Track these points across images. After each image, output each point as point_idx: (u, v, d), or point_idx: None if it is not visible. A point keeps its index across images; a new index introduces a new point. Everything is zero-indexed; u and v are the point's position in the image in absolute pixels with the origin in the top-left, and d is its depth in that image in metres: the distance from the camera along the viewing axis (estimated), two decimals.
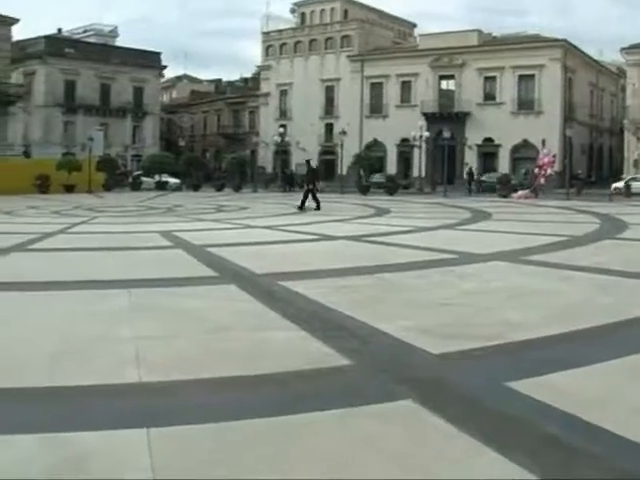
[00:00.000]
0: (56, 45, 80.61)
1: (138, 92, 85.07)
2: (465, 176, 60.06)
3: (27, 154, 71.58)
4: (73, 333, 7.51)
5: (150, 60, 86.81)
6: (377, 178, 60.60)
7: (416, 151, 67.90)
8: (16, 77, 73.80)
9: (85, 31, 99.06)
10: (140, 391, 5.69)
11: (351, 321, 7.90)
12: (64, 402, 5.50)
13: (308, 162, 33.49)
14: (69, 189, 49.69)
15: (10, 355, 6.73)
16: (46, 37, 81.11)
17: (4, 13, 63.77)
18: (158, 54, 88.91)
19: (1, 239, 17.54)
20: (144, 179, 60.45)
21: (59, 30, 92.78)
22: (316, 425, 4.89)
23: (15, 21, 64.66)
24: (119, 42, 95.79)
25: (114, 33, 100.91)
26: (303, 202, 29.62)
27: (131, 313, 8.55)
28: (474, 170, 61.16)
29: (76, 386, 5.78)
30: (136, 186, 58.24)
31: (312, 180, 30.75)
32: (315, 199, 29.76)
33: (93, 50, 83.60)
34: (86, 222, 23.96)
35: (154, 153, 72.08)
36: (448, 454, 4.39)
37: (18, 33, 74.21)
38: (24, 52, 76.87)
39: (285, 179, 59.39)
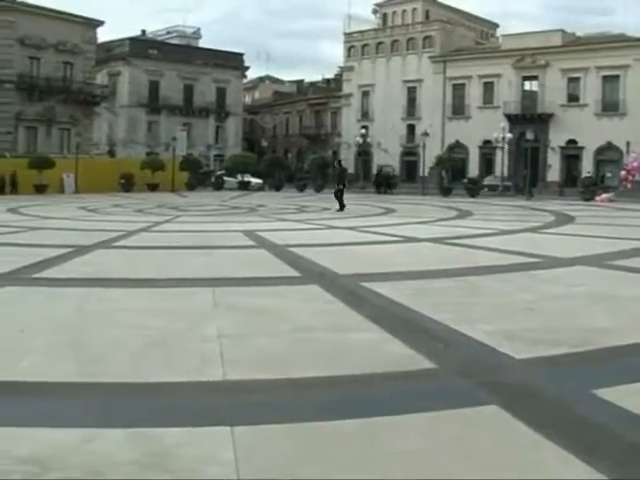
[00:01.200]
0: (140, 47, 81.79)
1: (221, 93, 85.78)
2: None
3: (112, 153, 72.89)
4: (158, 330, 7.62)
5: (233, 61, 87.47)
6: (489, 180, 59.37)
7: (498, 153, 67.23)
8: (101, 78, 75.08)
9: (168, 33, 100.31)
10: (224, 389, 5.74)
11: (434, 324, 7.85)
12: (150, 398, 5.59)
13: (340, 162, 34.30)
14: (153, 188, 50.37)
15: (97, 351, 6.86)
16: (130, 39, 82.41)
17: (89, 16, 65.00)
18: (241, 55, 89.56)
19: (86, 236, 17.91)
20: (226, 179, 60.95)
21: (143, 32, 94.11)
22: (400, 428, 4.85)
23: (100, 23, 65.76)
24: (202, 43, 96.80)
25: (197, 34, 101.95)
26: (341, 203, 29.88)
27: (215, 311, 8.63)
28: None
29: (161, 382, 5.87)
30: (218, 186, 58.75)
31: (342, 180, 31.14)
32: (340, 199, 30.12)
33: (176, 51, 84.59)
34: (169, 221, 24.30)
35: (236, 153, 72.57)
36: (534, 462, 4.31)
37: (103, 35, 75.51)
38: (109, 54, 78.21)
39: (380, 180, 58.62)
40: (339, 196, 30.33)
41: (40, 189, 45.02)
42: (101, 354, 6.71)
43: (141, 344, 6.99)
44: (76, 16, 63.12)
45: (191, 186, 54.69)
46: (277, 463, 4.27)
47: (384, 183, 56.60)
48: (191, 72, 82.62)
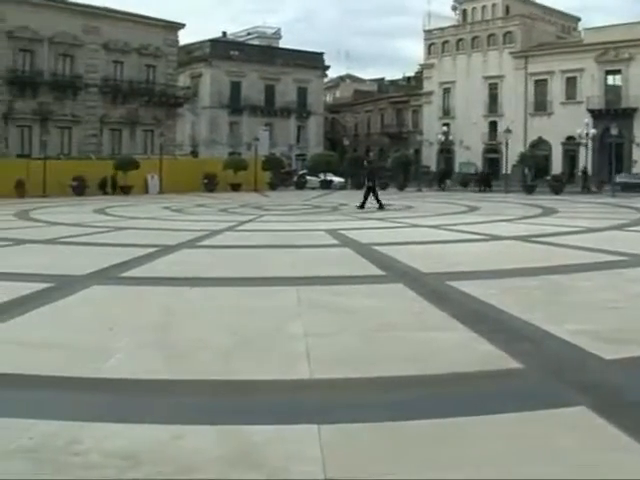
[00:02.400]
0: (221, 48, 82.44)
1: (302, 92, 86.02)
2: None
3: (195, 154, 73.65)
4: (245, 328, 7.70)
5: (313, 61, 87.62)
6: (622, 177, 58.02)
7: (582, 149, 66.13)
8: (183, 80, 75.93)
9: (249, 34, 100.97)
10: (311, 387, 5.78)
11: (520, 323, 7.78)
12: (238, 396, 5.66)
13: (370, 162, 34.16)
14: (235, 188, 50.73)
15: (184, 349, 6.97)
16: (211, 41, 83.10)
17: (171, 19, 65.85)
18: (321, 54, 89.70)
19: (171, 236, 18.16)
20: (309, 178, 61.14)
21: (224, 33, 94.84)
22: (488, 428, 4.83)
23: (181, 26, 66.55)
24: (281, 43, 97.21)
25: (277, 35, 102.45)
26: (379, 201, 29.80)
27: (300, 309, 8.68)
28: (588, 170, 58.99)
29: (249, 380, 5.94)
30: (301, 185, 58.96)
31: (372, 178, 31.00)
32: (365, 198, 30.08)
33: (257, 52, 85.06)
34: (253, 220, 24.46)
35: (318, 152, 72.74)
36: (622, 465, 4.22)
37: (184, 38, 76.42)
38: (190, 56, 79.04)
39: (481, 179, 58.01)
40: (376, 193, 30.30)
41: (125, 190, 45.77)
42: (189, 352, 6.81)
43: (228, 342, 7.08)
44: (158, 20, 64.04)
45: (273, 185, 54.95)
46: (364, 462, 4.28)
47: (485, 182, 56.19)
48: (272, 72, 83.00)
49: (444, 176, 61.20)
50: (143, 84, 62.38)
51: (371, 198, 29.85)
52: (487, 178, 57.54)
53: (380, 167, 32.44)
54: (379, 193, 30.97)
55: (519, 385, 5.77)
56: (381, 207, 29.31)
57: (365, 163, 32.78)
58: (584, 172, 57.25)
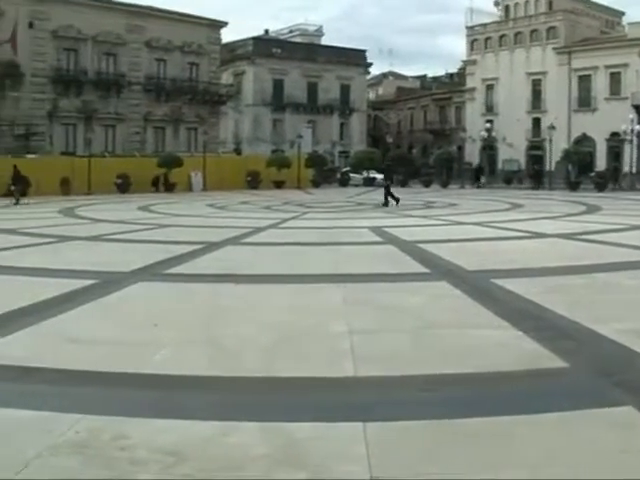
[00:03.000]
0: (264, 46, 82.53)
1: (345, 90, 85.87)
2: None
3: (238, 151, 73.85)
4: (289, 325, 7.74)
5: (355, 58, 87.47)
6: None
7: (627, 146, 65.35)
8: (226, 78, 76.16)
9: (291, 31, 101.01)
10: (355, 385, 5.78)
11: (565, 321, 7.71)
12: (282, 393, 5.68)
13: (388, 163, 35.22)
14: (278, 185, 50.83)
15: (229, 345, 7.00)
16: (254, 39, 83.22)
17: (213, 17, 66.09)
18: (363, 52, 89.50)
19: (215, 233, 18.25)
20: (352, 175, 61.09)
21: (266, 31, 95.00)
22: (532, 428, 4.79)
23: (224, 24, 66.75)
24: (324, 41, 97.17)
25: (319, 32, 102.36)
26: (394, 198, 30.44)
27: (344, 307, 8.67)
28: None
29: (293, 377, 5.95)
30: (344, 182, 58.95)
31: (390, 176, 32.21)
32: (390, 194, 30.60)
33: (299, 49, 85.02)
34: (296, 217, 24.53)
35: (361, 149, 72.61)
36: None
37: (227, 36, 76.55)
38: (233, 53, 79.27)
39: (534, 175, 57.39)
40: (386, 192, 30.87)
41: (169, 187, 46.06)
42: (233, 349, 6.85)
43: (272, 339, 7.10)
44: (200, 18, 64.28)
45: (316, 183, 54.98)
46: (410, 461, 4.27)
47: (538, 178, 55.66)
48: (315, 70, 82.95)
49: (478, 173, 60.68)
50: (186, 82, 62.63)
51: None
52: (538, 175, 56.92)
53: (390, 166, 32.90)
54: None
55: (565, 384, 5.71)
56: (396, 202, 29.96)
57: (385, 163, 33.24)
58: (615, 169, 56.60)
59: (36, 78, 53.92)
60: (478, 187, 55.27)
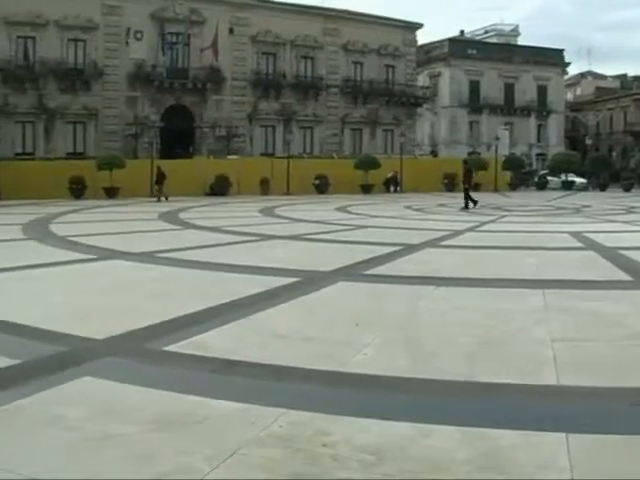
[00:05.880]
0: (459, 47, 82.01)
1: (541, 90, 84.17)
2: None
3: (434, 153, 73.73)
4: (489, 329, 7.66)
5: (553, 57, 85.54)
6: None
7: None
8: (422, 80, 76.19)
9: (486, 32, 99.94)
10: (558, 394, 5.66)
11: None
12: (483, 398, 5.64)
13: (465, 162, 34.20)
14: (476, 187, 50.24)
15: (429, 347, 7.02)
16: (449, 40, 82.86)
17: (407, 19, 66.13)
18: (561, 51, 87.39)
19: (414, 235, 18.31)
20: (550, 178, 59.83)
21: (461, 32, 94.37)
22: None
23: (419, 26, 66.76)
24: (520, 40, 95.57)
25: (515, 32, 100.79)
26: (472, 200, 30.63)
27: (546, 314, 8.49)
28: None
29: (494, 383, 5.89)
30: (542, 185, 57.80)
31: (468, 180, 31.64)
32: (470, 198, 30.64)
33: (495, 50, 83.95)
34: (494, 221, 24.24)
35: (559, 152, 71.00)
36: None
37: (422, 37, 76.47)
38: (429, 55, 79.24)
39: None
40: (466, 194, 30.99)
41: (366, 189, 46.44)
42: (434, 351, 6.85)
43: (473, 343, 7.06)
44: (396, 20, 64.56)
45: (513, 186, 54.17)
46: (615, 477, 4.14)
47: None
48: (511, 71, 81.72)
49: None
50: (383, 84, 63.01)
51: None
52: None
53: (469, 169, 32.23)
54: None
55: None
56: (467, 207, 30.10)
57: (464, 165, 32.73)
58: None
59: (237, 82, 55.96)
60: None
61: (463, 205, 30.54)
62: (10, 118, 48.21)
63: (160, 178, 37.37)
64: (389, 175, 48.47)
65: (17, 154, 47.37)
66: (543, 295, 9.57)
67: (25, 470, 4.23)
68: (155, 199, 36.70)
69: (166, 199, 36.38)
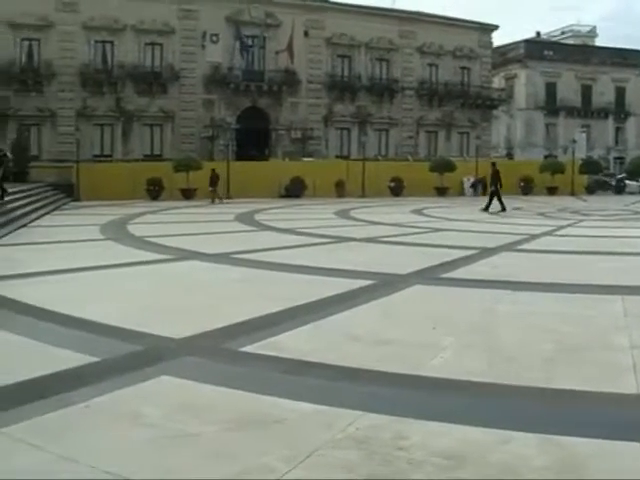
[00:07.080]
0: (535, 48, 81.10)
1: (620, 92, 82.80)
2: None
3: (510, 156, 73.09)
4: (567, 336, 7.56)
5: (631, 59, 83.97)
6: None
7: None
8: (498, 82, 75.55)
9: (563, 33, 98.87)
10: (637, 403, 5.56)
11: None
12: (560, 405, 5.58)
13: (494, 164, 33.58)
14: (551, 191, 49.70)
15: (507, 352, 6.97)
16: (525, 41, 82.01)
17: (482, 20, 65.68)
18: (638, 52, 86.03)
19: (489, 239, 18.15)
20: (628, 182, 58.85)
21: (538, 34, 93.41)
22: None
23: (495, 28, 66.26)
24: (598, 41, 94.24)
25: (592, 33, 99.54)
26: (501, 203, 30.74)
27: (625, 320, 8.35)
28: None
29: (572, 390, 5.82)
30: (619, 189, 56.90)
31: (496, 182, 31.58)
32: (500, 201, 30.80)
33: (572, 51, 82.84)
34: (572, 225, 23.87)
35: (638, 155, 69.79)
36: None
37: (498, 39, 75.86)
38: (504, 57, 78.49)
39: None
40: (493, 197, 31.19)
41: (441, 191, 46.28)
42: (511, 356, 6.80)
43: (551, 349, 7.00)
44: (471, 22, 64.14)
45: (591, 190, 53.48)
46: None
47: None
48: (588, 72, 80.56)
49: None
50: (458, 86, 62.65)
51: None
52: None
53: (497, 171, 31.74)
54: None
55: None
56: (503, 209, 30.28)
57: (492, 167, 32.36)
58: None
59: (312, 84, 56.14)
60: None
61: (483, 207, 30.93)
62: (89, 121, 49.17)
63: (214, 180, 37.86)
64: (472, 179, 48.17)
65: (95, 156, 48.27)
66: (622, 301, 9.41)
67: (106, 466, 4.32)
68: (210, 201, 37.19)
69: (221, 200, 37.00)
